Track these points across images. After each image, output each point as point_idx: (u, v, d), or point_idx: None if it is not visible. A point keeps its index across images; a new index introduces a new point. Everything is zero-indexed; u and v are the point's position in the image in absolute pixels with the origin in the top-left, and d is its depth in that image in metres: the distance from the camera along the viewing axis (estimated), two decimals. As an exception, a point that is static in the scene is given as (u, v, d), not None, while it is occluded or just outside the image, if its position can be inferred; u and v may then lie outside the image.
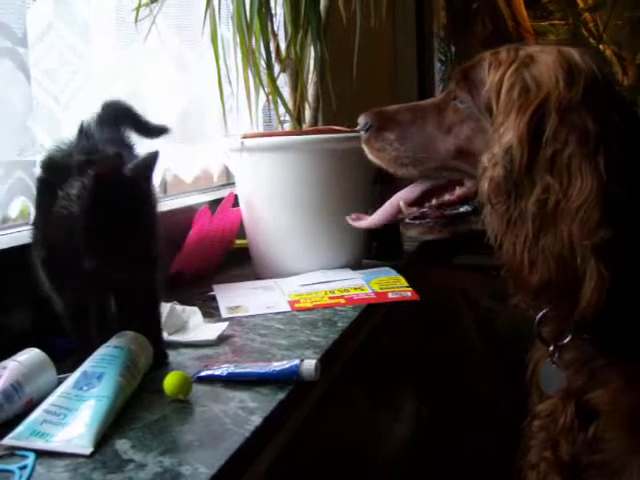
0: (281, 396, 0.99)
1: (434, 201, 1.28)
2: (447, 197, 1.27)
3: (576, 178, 1.03)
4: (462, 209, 1.26)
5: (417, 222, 1.29)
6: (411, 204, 1.30)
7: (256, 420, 0.91)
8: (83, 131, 1.14)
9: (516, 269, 1.07)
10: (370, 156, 1.31)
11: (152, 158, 1.08)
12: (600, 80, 1.10)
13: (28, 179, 1.22)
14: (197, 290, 1.55)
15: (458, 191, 1.25)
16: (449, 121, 1.24)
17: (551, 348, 1.20)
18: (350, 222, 1.41)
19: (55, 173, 1.06)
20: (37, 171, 1.14)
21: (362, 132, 1.32)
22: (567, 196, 1.02)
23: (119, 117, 1.21)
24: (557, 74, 1.09)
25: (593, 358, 1.14)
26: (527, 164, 1.05)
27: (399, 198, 1.32)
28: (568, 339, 1.17)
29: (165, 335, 1.21)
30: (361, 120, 1.32)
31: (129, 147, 1.19)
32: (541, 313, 1.22)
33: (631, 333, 1.10)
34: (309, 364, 1.03)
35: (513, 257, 1.06)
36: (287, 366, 1.03)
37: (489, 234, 1.10)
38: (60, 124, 1.37)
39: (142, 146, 1.22)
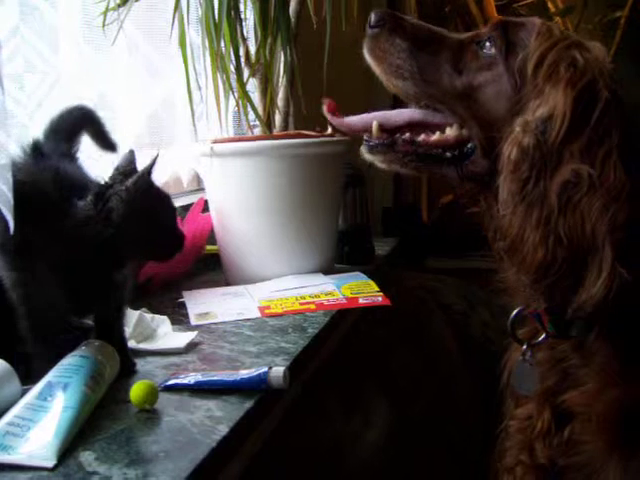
0: (248, 405, 0.98)
1: (407, 135, 1.23)
2: (422, 137, 1.22)
3: (610, 169, 1.01)
4: (440, 153, 1.21)
5: (385, 149, 1.23)
6: (384, 130, 1.24)
7: (223, 430, 0.90)
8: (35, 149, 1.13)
9: (520, 242, 1.04)
10: (368, 56, 1.25)
11: (152, 163, 1.08)
12: None
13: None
14: (166, 296, 1.54)
15: (436, 136, 1.20)
16: (465, 62, 1.19)
17: (524, 347, 1.19)
18: (329, 118, 1.34)
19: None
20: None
21: (370, 28, 1.25)
22: (599, 187, 1.00)
23: (80, 124, 1.19)
24: (605, 61, 1.08)
25: (567, 357, 1.14)
26: (563, 140, 1.03)
27: (374, 117, 1.26)
28: (542, 337, 1.17)
29: (133, 343, 1.20)
30: (375, 15, 1.25)
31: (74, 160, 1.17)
32: (515, 312, 1.22)
33: (614, 334, 1.09)
34: (277, 372, 1.02)
35: (520, 229, 1.04)
36: (255, 374, 1.02)
37: (500, 200, 1.08)
38: (27, 130, 1.35)
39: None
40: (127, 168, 1.08)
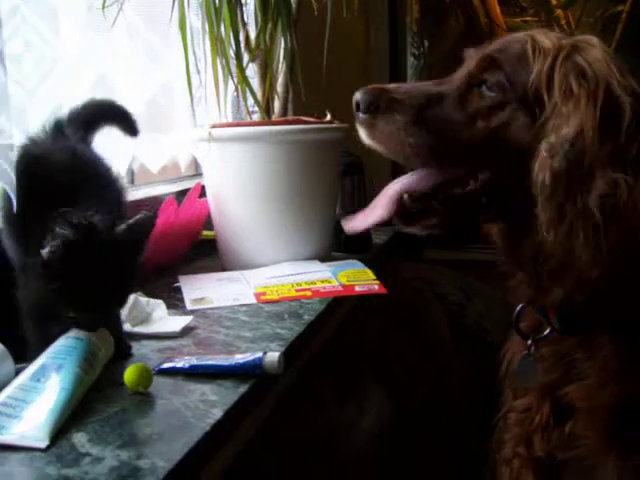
0: (243, 389, 0.97)
1: (458, 190, 1.16)
2: (457, 191, 1.16)
3: None
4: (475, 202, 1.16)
5: (422, 217, 1.17)
6: (418, 198, 1.17)
7: (217, 413, 0.90)
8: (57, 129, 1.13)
9: (571, 262, 1.03)
10: (371, 142, 1.16)
11: (148, 221, 1.01)
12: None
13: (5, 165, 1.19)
14: (162, 281, 1.53)
15: (472, 185, 1.15)
16: (475, 108, 1.14)
17: (529, 342, 1.19)
18: (346, 228, 1.28)
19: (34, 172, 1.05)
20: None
21: (360, 113, 1.16)
22: (637, 191, 0.99)
23: (102, 114, 1.20)
24: (607, 62, 1.06)
25: (571, 352, 1.13)
26: (595, 155, 1.01)
27: (402, 189, 1.19)
28: (547, 332, 1.16)
29: (128, 327, 1.19)
30: (361, 97, 1.15)
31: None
32: (520, 307, 1.22)
33: (617, 330, 1.10)
34: (272, 357, 1.01)
35: (569, 250, 1.02)
36: (250, 359, 1.02)
37: (541, 227, 1.05)
38: (25, 111, 1.34)
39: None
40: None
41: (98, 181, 1.09)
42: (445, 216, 1.17)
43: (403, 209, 1.17)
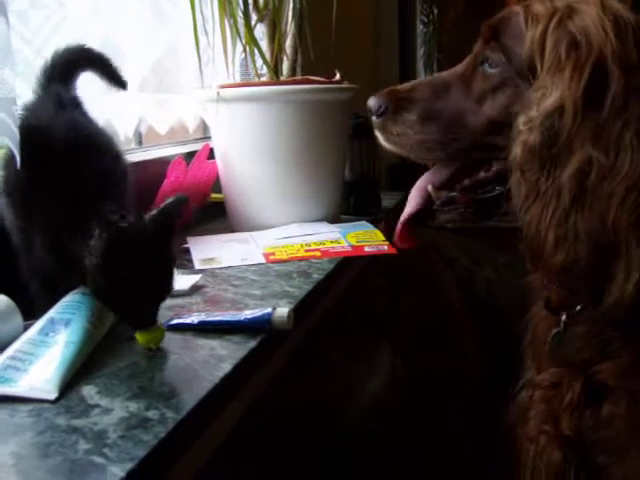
0: (252, 344, 0.97)
1: (467, 181, 1.16)
2: (482, 174, 1.15)
3: (626, 153, 0.92)
4: (495, 191, 1.14)
5: (446, 208, 1.18)
6: (440, 187, 1.18)
7: (226, 367, 0.89)
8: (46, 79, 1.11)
9: (538, 245, 0.98)
10: (386, 144, 1.18)
11: (175, 206, 0.98)
12: None
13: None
14: (171, 242, 1.53)
15: (495, 167, 1.12)
16: (479, 90, 1.11)
17: (563, 317, 1.12)
18: (398, 244, 1.28)
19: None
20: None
21: (374, 118, 1.18)
22: (614, 173, 0.92)
23: (81, 62, 1.16)
24: (605, 26, 0.97)
25: (605, 329, 1.07)
26: (575, 131, 0.94)
27: (426, 182, 1.20)
28: (579, 308, 1.09)
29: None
30: (372, 103, 1.18)
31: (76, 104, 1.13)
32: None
33: None
34: (281, 312, 1.01)
35: (537, 231, 0.97)
36: (259, 314, 1.01)
37: (514, 204, 1.01)
38: (33, 68, 1.33)
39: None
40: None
41: (98, 149, 1.07)
42: (469, 204, 1.17)
43: (429, 200, 1.19)
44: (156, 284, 0.94)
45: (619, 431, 1.08)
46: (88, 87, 1.18)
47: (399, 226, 1.25)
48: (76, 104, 1.12)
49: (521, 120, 1.01)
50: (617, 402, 1.07)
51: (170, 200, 0.97)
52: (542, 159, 0.97)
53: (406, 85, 1.19)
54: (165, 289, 0.96)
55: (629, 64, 0.96)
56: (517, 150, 1.00)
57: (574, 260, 0.94)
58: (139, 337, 0.95)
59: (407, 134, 1.14)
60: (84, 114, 1.12)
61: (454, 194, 1.18)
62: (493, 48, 1.10)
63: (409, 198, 1.23)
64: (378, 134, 1.19)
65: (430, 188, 1.19)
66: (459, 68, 1.17)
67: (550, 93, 0.98)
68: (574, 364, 1.12)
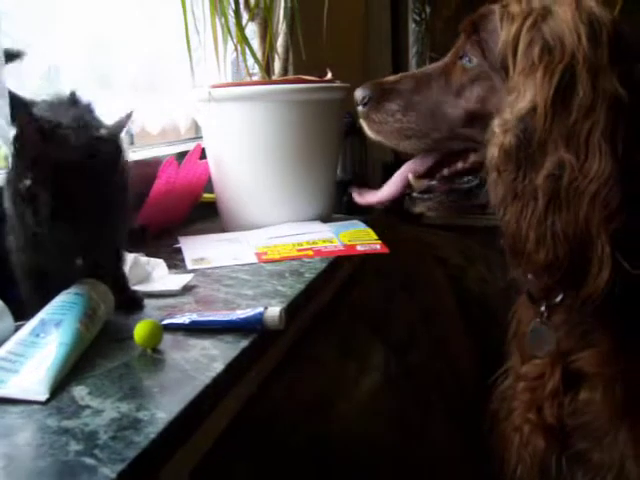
0: (244, 344, 0.97)
1: (445, 171, 1.21)
2: (460, 165, 1.20)
3: (594, 155, 0.96)
4: (473, 183, 1.19)
5: (425, 196, 1.23)
6: (420, 176, 1.23)
7: (218, 367, 0.89)
8: None
9: (520, 244, 1.01)
10: (369, 132, 1.23)
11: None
12: (622, 35, 1.02)
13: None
14: (162, 243, 1.53)
15: (472, 158, 1.18)
16: (457, 83, 1.16)
17: (542, 308, 1.16)
18: (356, 199, 1.35)
19: None
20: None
21: (360, 107, 1.23)
22: (585, 174, 0.96)
23: None
24: (578, 29, 1.00)
25: (585, 320, 1.11)
26: (547, 133, 0.98)
27: (408, 170, 1.25)
28: (559, 298, 1.13)
29: (128, 285, 1.18)
30: (358, 93, 1.24)
31: None
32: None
33: (629, 302, 1.06)
34: (273, 312, 1.01)
35: (517, 231, 1.01)
36: (251, 314, 1.01)
37: (493, 204, 1.05)
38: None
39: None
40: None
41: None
42: (447, 194, 1.22)
43: (409, 188, 1.24)
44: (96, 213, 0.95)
45: (596, 417, 1.12)
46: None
47: (367, 199, 1.33)
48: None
49: (496, 122, 1.05)
50: (594, 389, 1.11)
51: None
52: (518, 160, 1.01)
53: (391, 77, 1.24)
54: (117, 236, 0.98)
55: (599, 68, 0.98)
56: (494, 151, 1.04)
57: (555, 257, 0.99)
58: (138, 338, 0.95)
59: (388, 122, 1.19)
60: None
61: (433, 183, 1.23)
62: (472, 43, 1.13)
63: (389, 182, 1.28)
64: (363, 123, 1.24)
65: (411, 177, 1.24)
66: (442, 62, 1.21)
67: (523, 96, 1.01)
68: (554, 353, 1.16)
